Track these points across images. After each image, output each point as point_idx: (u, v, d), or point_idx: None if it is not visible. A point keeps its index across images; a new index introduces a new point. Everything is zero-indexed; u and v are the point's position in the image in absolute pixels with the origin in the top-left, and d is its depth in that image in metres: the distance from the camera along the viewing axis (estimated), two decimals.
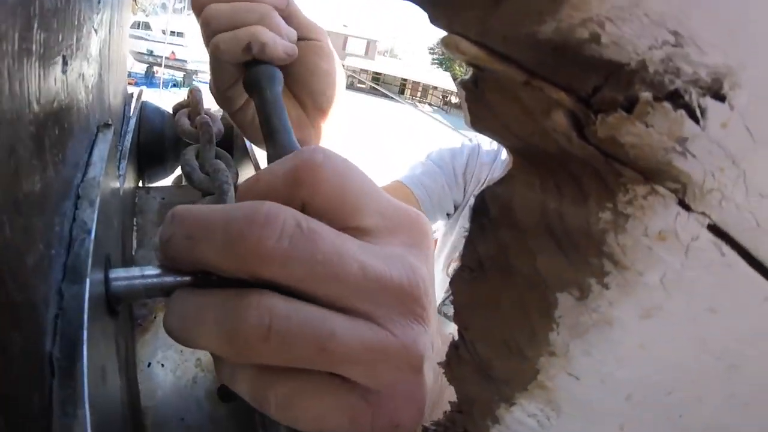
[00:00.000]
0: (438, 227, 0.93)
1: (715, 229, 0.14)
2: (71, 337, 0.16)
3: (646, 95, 0.12)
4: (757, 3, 0.13)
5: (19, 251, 0.14)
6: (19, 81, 0.14)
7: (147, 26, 15.39)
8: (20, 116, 0.14)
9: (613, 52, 0.12)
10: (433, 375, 0.23)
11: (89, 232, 0.19)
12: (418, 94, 28.10)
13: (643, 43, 0.12)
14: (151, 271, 0.21)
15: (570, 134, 0.14)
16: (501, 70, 0.14)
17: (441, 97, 26.81)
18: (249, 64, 0.39)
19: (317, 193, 0.20)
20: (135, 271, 0.21)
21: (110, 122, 0.26)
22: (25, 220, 0.14)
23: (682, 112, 0.12)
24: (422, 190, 0.84)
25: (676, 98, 0.12)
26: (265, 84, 0.37)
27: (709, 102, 0.12)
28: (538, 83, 0.14)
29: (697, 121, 0.12)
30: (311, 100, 0.46)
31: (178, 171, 0.54)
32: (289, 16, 0.42)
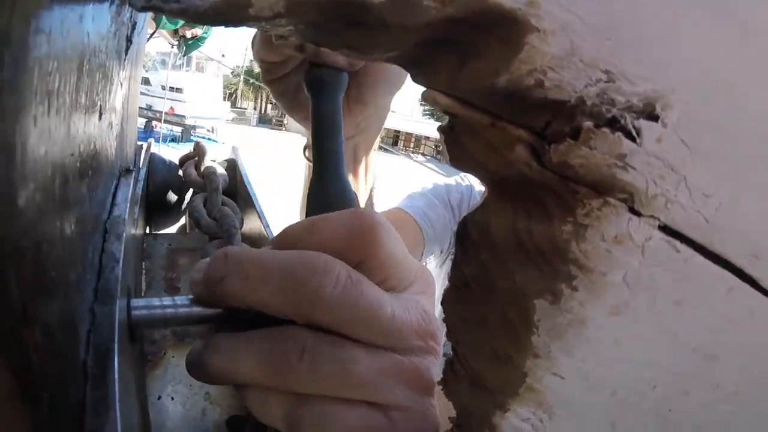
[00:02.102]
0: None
1: (666, 229, 0.17)
2: (102, 349, 0.20)
3: (587, 124, 0.16)
4: (680, 37, 0.16)
5: (67, 264, 0.18)
6: (74, 124, 0.18)
7: (147, 81, 16.14)
8: (73, 153, 0.18)
9: (555, 93, 0.16)
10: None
11: (117, 261, 0.23)
12: (411, 144, 29.34)
13: (579, 83, 0.16)
14: (169, 301, 0.25)
15: (531, 163, 0.17)
16: (470, 115, 0.18)
17: (434, 147, 27.97)
18: (313, 63, 0.38)
19: (377, 255, 0.25)
20: (155, 302, 0.25)
21: (131, 168, 0.30)
22: (71, 241, 0.18)
23: (619, 134, 0.15)
24: (426, 221, 0.89)
25: (613, 123, 0.16)
26: (329, 91, 0.36)
27: (643, 123, 0.16)
28: (501, 124, 0.18)
29: (633, 139, 0.16)
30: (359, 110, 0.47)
31: (182, 221, 0.59)
32: None
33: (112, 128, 0.27)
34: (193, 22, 0.20)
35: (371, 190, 0.57)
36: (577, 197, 0.17)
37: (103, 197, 0.25)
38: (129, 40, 0.33)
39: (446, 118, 0.20)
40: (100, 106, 0.23)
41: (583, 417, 0.21)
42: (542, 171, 0.17)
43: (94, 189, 0.23)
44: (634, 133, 0.16)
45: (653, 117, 0.16)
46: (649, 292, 0.18)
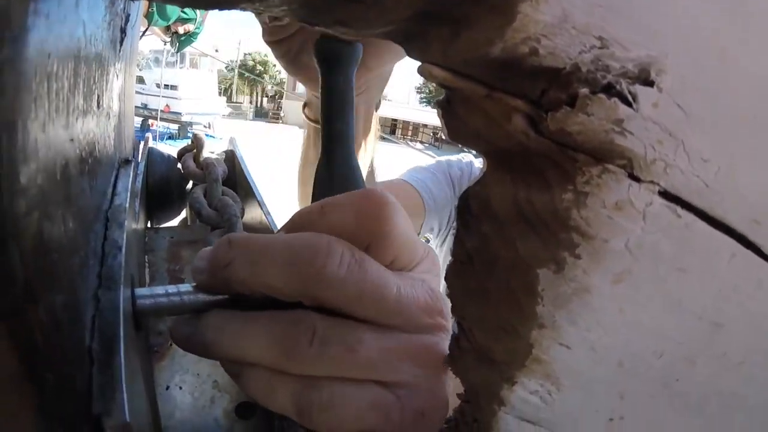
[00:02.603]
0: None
1: (666, 195, 0.17)
2: (108, 333, 0.20)
3: (583, 91, 0.16)
4: (671, 2, 0.17)
5: (69, 250, 0.18)
6: (73, 109, 0.19)
7: (141, 80, 16.19)
8: (72, 139, 0.19)
9: (549, 61, 0.16)
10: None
11: (120, 249, 0.23)
12: (409, 133, 29.67)
13: (573, 50, 0.16)
14: (174, 290, 0.26)
15: (528, 132, 0.18)
16: (466, 87, 0.19)
17: (432, 134, 28.50)
18: (325, 34, 0.35)
19: (385, 236, 0.25)
20: (159, 290, 0.25)
21: (130, 159, 0.31)
22: (72, 225, 0.19)
23: (615, 99, 0.16)
24: (429, 194, 0.93)
25: (609, 89, 0.16)
26: (340, 63, 0.34)
27: (638, 88, 0.16)
28: (498, 95, 0.18)
29: (629, 105, 0.16)
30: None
31: (183, 214, 0.60)
32: None
33: (110, 119, 0.27)
34: (187, 6, 0.20)
35: (372, 158, 0.58)
36: (576, 165, 0.17)
37: (103, 188, 0.25)
38: (123, 32, 0.33)
39: (442, 94, 0.20)
40: (98, 94, 0.23)
41: (591, 388, 0.21)
42: (540, 140, 0.17)
43: (94, 178, 0.23)
44: (630, 99, 0.16)
45: (648, 82, 0.16)
46: (652, 259, 0.18)
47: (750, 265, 0.20)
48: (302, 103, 0.61)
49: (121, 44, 0.32)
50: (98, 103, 0.23)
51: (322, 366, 0.23)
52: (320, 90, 0.35)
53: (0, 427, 0.13)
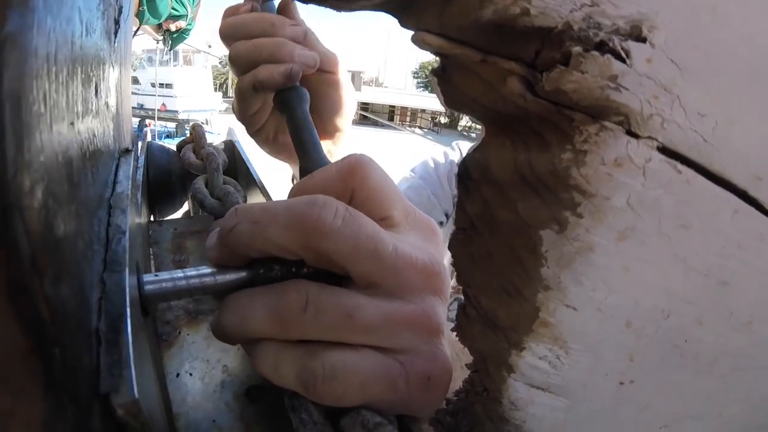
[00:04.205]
0: None
1: (665, 150, 0.18)
2: (114, 314, 0.21)
3: (576, 49, 0.16)
4: None
5: (73, 232, 0.19)
6: (71, 93, 0.19)
7: (135, 80, 16.23)
8: (72, 123, 0.19)
9: (541, 20, 0.17)
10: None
11: (124, 233, 0.24)
12: (407, 119, 29.77)
13: (564, 9, 0.16)
14: (179, 273, 0.26)
15: (525, 94, 0.18)
16: (461, 53, 0.19)
17: (430, 119, 28.66)
18: (277, 92, 0.47)
19: (366, 184, 0.28)
20: (164, 275, 0.26)
21: (130, 148, 0.32)
22: (75, 207, 0.19)
23: (608, 56, 0.16)
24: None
25: (602, 47, 0.16)
26: (293, 104, 0.46)
27: (631, 45, 0.16)
28: (492, 59, 0.18)
29: (623, 61, 0.16)
30: (321, 123, 0.56)
31: (185, 207, 0.60)
32: (308, 46, 0.51)
33: (108, 108, 0.28)
34: None
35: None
36: (573, 124, 0.18)
37: (105, 177, 0.26)
38: (117, 23, 0.34)
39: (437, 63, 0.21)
40: (96, 82, 0.24)
41: (599, 351, 0.21)
42: (537, 101, 0.18)
43: (95, 165, 0.24)
44: (624, 55, 0.17)
45: (641, 38, 0.17)
46: (655, 215, 0.19)
47: (753, 221, 0.21)
48: None
49: (115, 35, 0.33)
50: (96, 90, 0.24)
51: (319, 331, 0.24)
52: (287, 124, 0.46)
53: (9, 401, 0.14)
